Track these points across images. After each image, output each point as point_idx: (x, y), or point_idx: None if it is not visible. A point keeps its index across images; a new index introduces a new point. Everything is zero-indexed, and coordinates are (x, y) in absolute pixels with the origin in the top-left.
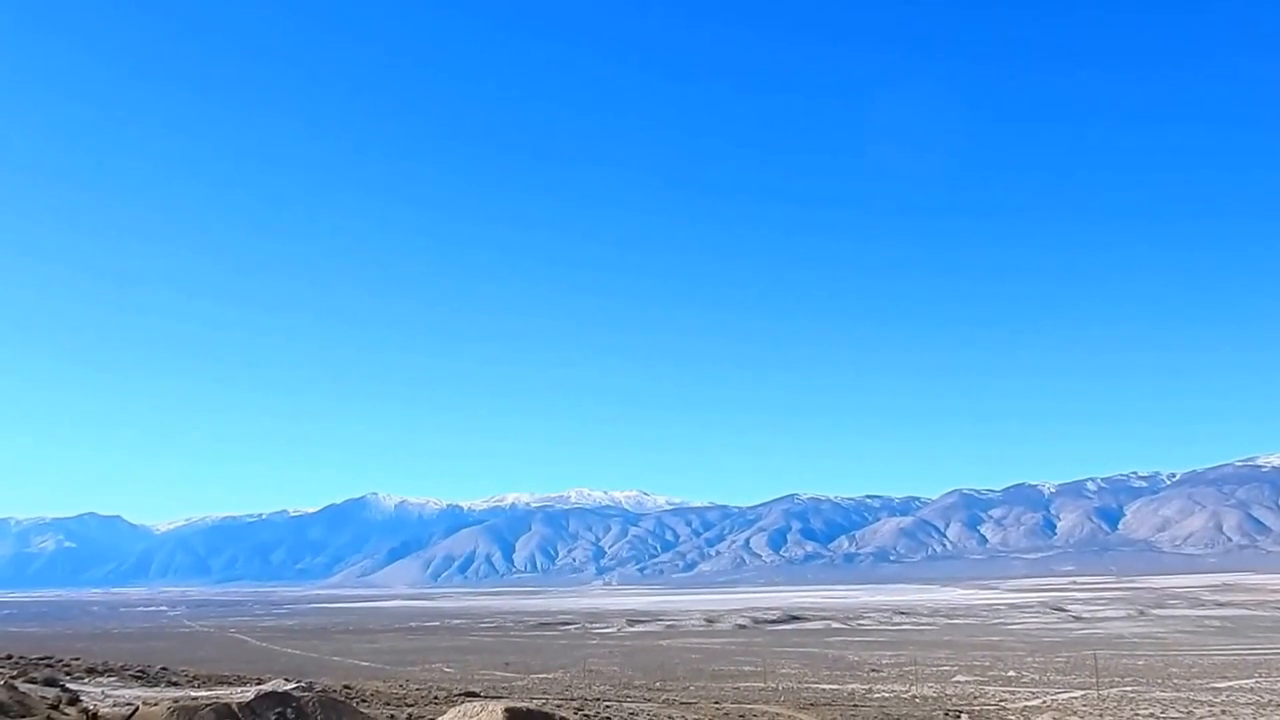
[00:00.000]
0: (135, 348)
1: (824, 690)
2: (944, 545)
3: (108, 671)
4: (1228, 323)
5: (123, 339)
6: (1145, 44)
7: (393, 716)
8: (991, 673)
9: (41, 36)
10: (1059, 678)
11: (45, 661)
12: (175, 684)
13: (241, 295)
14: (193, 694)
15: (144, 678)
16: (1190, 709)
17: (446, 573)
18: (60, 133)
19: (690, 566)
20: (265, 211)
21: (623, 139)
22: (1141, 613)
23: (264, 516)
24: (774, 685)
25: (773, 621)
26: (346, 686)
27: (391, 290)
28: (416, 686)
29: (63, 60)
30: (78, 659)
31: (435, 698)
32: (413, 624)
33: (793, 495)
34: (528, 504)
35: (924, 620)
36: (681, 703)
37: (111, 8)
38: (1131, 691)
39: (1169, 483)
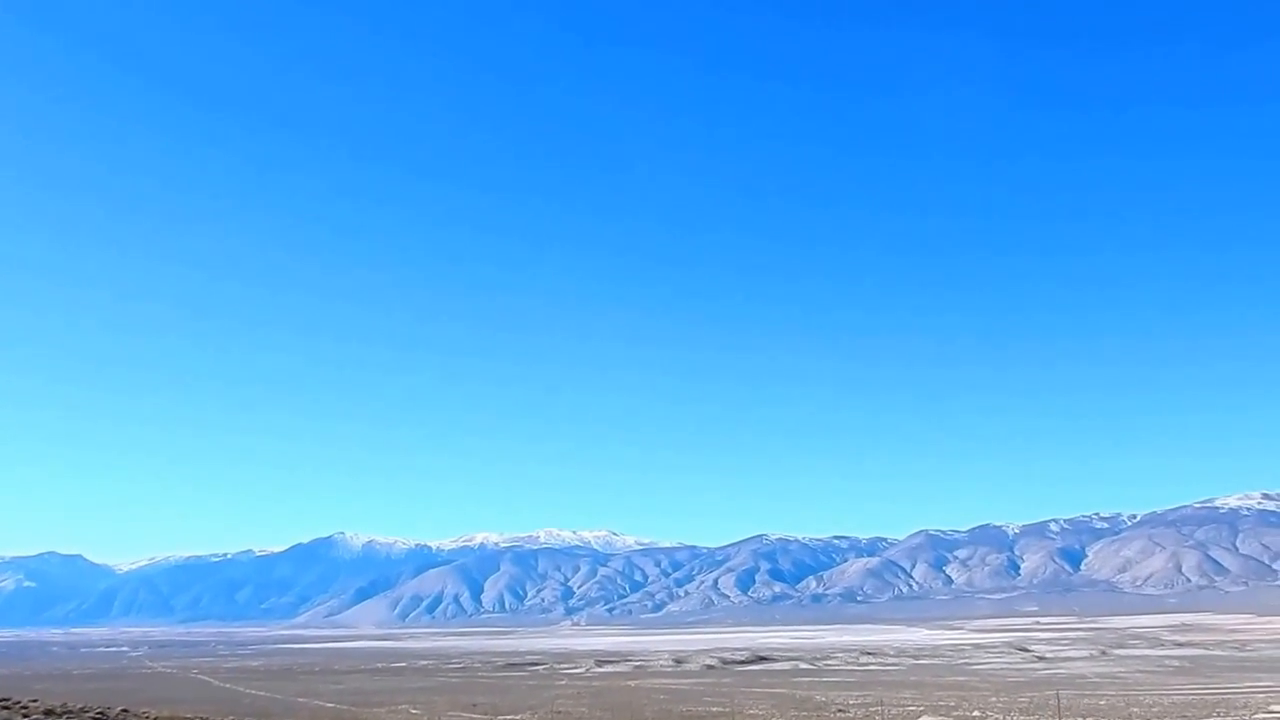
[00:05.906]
0: (97, 385)
1: None
2: (910, 585)
3: (66, 713)
4: (1186, 366)
5: (84, 376)
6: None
7: None
8: (957, 713)
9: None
10: (1023, 717)
11: (2, 703)
12: None
13: (203, 333)
14: None
15: (104, 719)
16: None
17: (415, 613)
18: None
19: (659, 607)
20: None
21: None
22: (1103, 652)
23: (229, 555)
24: None
25: (741, 662)
26: None
27: (359, 329)
28: None
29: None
30: (35, 700)
31: None
32: (379, 664)
33: (761, 536)
34: (496, 544)
35: (890, 660)
36: None
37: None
38: None
39: (1129, 524)
